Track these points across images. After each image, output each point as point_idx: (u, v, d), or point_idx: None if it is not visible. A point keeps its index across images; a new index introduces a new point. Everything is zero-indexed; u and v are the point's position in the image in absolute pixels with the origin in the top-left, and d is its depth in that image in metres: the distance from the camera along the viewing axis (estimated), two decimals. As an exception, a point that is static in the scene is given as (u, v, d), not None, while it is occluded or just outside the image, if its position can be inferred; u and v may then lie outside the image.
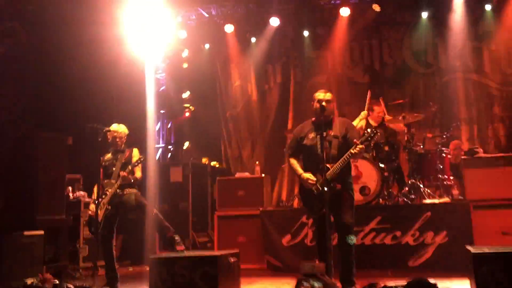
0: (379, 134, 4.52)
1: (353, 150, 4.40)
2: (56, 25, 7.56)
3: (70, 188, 7.24)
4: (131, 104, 9.35)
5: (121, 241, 8.06)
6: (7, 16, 5.90)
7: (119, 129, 5.72)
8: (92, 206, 5.51)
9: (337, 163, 4.46)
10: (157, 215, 5.42)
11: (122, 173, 5.36)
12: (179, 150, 9.30)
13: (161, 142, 10.16)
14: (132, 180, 5.46)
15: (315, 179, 4.56)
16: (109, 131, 5.58)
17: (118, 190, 5.43)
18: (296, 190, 8.24)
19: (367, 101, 7.24)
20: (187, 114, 10.20)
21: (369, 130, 4.54)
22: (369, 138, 4.43)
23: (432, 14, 8.83)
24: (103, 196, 5.44)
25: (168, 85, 10.28)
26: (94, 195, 5.62)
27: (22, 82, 7.15)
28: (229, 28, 9.56)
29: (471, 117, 8.62)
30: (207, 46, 10.17)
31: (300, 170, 4.71)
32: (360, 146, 4.37)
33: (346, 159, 4.46)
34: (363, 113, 7.20)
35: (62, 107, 7.92)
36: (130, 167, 5.40)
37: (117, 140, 5.67)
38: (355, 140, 4.43)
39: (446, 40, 8.89)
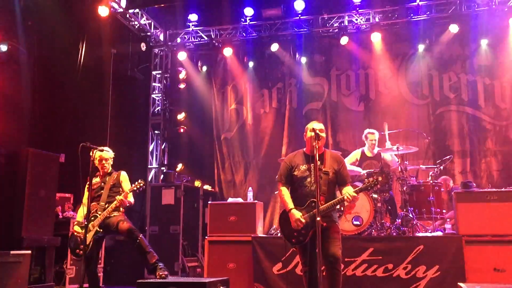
0: (379, 185, 4.51)
1: (348, 196, 4.39)
2: (54, 43, 7.57)
3: (59, 207, 7.14)
4: (127, 123, 9.36)
5: (109, 263, 7.94)
6: (10, 35, 5.90)
7: (106, 153, 5.69)
8: (77, 228, 5.43)
9: (329, 204, 4.41)
10: (141, 240, 5.32)
11: (120, 198, 5.31)
12: (172, 172, 9.22)
13: (154, 163, 10.10)
14: (128, 205, 5.41)
15: (304, 222, 4.45)
16: (102, 150, 5.55)
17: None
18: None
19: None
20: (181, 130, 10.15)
21: (371, 179, 4.52)
22: (369, 188, 4.53)
23: (428, 46, 8.95)
24: (92, 218, 5.37)
25: (164, 106, 10.28)
26: (79, 217, 5.56)
27: (17, 99, 7.12)
28: (227, 52, 9.64)
29: (464, 150, 8.66)
30: (204, 68, 10.23)
31: (290, 205, 4.58)
32: (354, 195, 4.39)
33: (338, 201, 4.45)
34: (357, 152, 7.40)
35: (57, 125, 7.88)
36: (128, 191, 5.35)
37: (104, 163, 5.64)
38: (354, 191, 4.43)
39: (441, 73, 9.00)
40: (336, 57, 9.55)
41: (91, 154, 5.29)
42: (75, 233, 5.43)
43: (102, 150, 5.54)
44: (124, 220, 5.40)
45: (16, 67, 6.06)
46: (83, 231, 5.18)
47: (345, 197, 4.40)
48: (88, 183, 5.39)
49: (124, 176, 5.68)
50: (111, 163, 5.73)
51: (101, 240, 5.51)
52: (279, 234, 7.02)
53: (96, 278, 5.54)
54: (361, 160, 7.29)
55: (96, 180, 5.65)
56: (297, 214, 4.49)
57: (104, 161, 5.65)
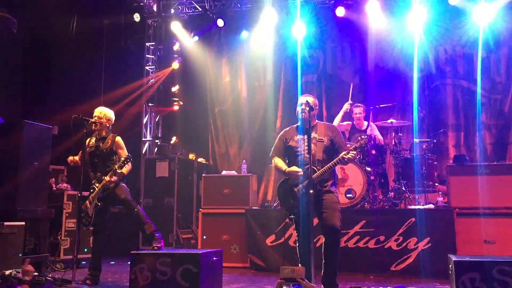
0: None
1: (345, 155, 4.40)
2: (45, 14, 7.44)
3: (53, 179, 7.14)
4: (120, 96, 9.28)
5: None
6: None
7: (103, 112, 5.57)
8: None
9: (326, 167, 4.45)
10: (139, 211, 5.36)
11: (105, 179, 5.29)
12: (166, 144, 9.20)
13: (148, 135, 10.07)
14: (116, 179, 5.38)
15: (300, 170, 4.50)
16: (95, 123, 5.49)
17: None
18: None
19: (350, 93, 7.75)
20: (175, 107, 10.08)
21: (363, 136, 4.56)
22: (363, 145, 4.53)
23: (425, 18, 8.83)
24: (91, 190, 5.41)
25: (157, 78, 10.19)
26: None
27: (9, 71, 7.02)
28: (221, 23, 9.50)
29: (459, 124, 8.65)
30: (199, 40, 10.08)
31: (284, 167, 4.68)
32: (353, 152, 4.39)
33: (336, 163, 4.45)
34: (346, 104, 7.57)
35: (50, 96, 7.82)
36: (115, 167, 5.30)
37: (98, 123, 5.50)
38: (348, 145, 4.44)
39: (438, 45, 8.92)
40: (332, 29, 9.43)
41: (86, 126, 5.25)
42: (83, 206, 5.45)
43: (95, 122, 5.49)
44: (123, 192, 5.42)
45: (6, 37, 5.96)
46: (88, 202, 5.36)
47: (344, 156, 4.41)
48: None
49: (119, 143, 5.56)
50: (106, 123, 5.55)
51: (103, 211, 5.50)
52: (276, 205, 7.10)
53: (100, 249, 5.60)
54: (351, 132, 7.32)
55: (92, 141, 5.58)
56: (294, 168, 4.54)
57: (96, 117, 5.51)
